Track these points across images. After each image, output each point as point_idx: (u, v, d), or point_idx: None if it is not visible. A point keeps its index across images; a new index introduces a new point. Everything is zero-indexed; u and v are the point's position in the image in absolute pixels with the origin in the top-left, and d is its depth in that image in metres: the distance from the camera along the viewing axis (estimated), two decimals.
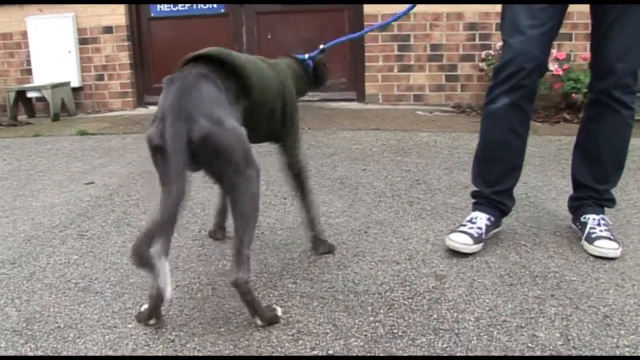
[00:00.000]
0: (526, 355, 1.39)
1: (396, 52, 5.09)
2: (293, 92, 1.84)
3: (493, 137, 2.02)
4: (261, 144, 1.81)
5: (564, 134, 3.82)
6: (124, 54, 5.50)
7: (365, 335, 1.49)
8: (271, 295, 1.71)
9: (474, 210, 2.07)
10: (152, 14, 5.55)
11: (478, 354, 1.40)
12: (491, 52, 4.72)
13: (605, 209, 2.08)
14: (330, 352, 1.42)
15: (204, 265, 1.94)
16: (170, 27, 5.56)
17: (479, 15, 4.88)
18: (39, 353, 1.46)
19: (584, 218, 2.03)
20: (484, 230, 1.98)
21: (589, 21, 1.97)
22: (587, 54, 2.54)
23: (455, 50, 5.01)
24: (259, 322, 1.52)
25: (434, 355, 1.40)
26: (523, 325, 1.52)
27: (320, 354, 1.41)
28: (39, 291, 1.79)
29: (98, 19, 5.45)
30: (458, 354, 1.40)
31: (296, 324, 1.54)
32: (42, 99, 5.31)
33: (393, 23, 4.95)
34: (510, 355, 1.39)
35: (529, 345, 1.43)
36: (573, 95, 4.52)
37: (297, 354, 1.41)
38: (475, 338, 1.46)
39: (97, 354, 1.44)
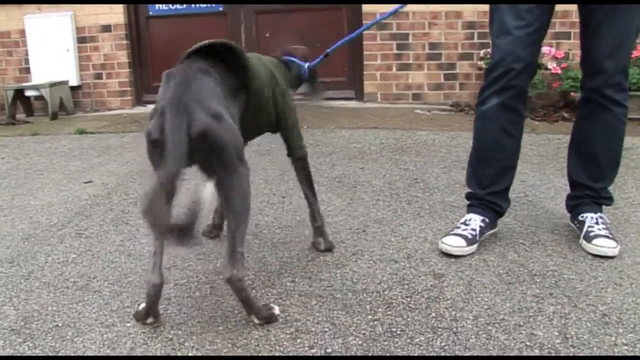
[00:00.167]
0: (524, 353, 1.39)
1: (395, 51, 5.09)
2: (281, 79, 1.85)
3: (485, 138, 2.02)
4: (260, 144, 1.81)
5: (562, 133, 3.81)
6: (122, 52, 5.50)
7: (363, 333, 1.49)
8: (269, 293, 1.71)
9: (468, 212, 2.07)
10: (151, 13, 5.55)
11: (476, 352, 1.40)
12: (490, 50, 4.72)
13: (604, 207, 2.08)
14: (329, 350, 1.42)
15: (202, 263, 1.94)
16: (169, 25, 5.56)
17: (477, 14, 4.87)
18: (37, 352, 1.46)
19: (582, 217, 2.03)
20: (477, 232, 1.98)
21: None
22: None
23: (453, 49, 5.02)
24: (255, 320, 1.52)
25: (433, 353, 1.40)
26: (521, 323, 1.52)
27: (318, 353, 1.41)
28: (37, 290, 1.79)
29: (96, 17, 5.45)
30: (456, 353, 1.40)
31: (294, 322, 1.54)
32: (40, 98, 5.30)
33: (393, 23, 4.97)
34: (508, 353, 1.39)
35: (527, 343, 1.43)
36: (572, 93, 4.52)
37: (296, 353, 1.41)
38: (473, 336, 1.46)
39: (95, 353, 1.44)
